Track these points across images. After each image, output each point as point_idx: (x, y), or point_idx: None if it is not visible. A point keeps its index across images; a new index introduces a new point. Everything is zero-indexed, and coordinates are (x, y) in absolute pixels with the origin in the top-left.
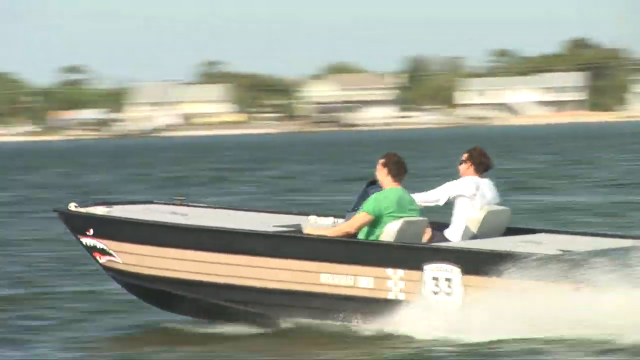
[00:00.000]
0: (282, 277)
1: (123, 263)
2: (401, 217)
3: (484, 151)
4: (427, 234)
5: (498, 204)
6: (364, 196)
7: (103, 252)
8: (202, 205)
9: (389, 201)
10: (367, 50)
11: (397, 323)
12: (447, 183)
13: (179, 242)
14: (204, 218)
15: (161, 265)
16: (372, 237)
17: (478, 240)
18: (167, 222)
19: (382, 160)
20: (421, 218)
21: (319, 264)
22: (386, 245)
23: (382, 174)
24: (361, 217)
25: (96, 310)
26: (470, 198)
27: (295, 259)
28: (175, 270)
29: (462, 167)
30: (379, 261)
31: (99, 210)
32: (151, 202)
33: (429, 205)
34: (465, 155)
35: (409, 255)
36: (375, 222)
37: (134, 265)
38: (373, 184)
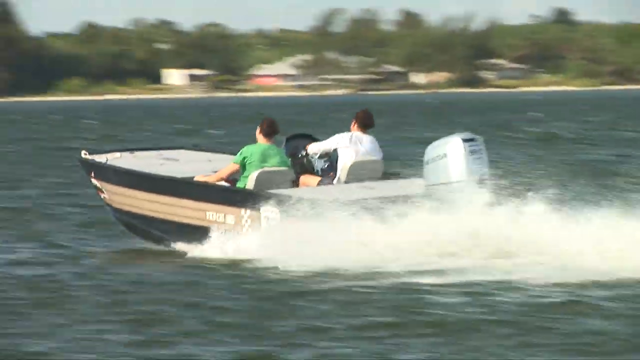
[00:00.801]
0: (181, 213)
1: (109, 199)
2: (262, 167)
3: (368, 113)
4: (317, 179)
5: (374, 157)
6: (286, 149)
7: (100, 190)
8: (206, 150)
9: (252, 153)
10: None
11: (245, 250)
12: (335, 135)
13: (125, 183)
14: (180, 162)
15: (120, 200)
16: (243, 182)
17: (335, 185)
18: (119, 167)
19: (260, 122)
20: (283, 168)
21: (202, 203)
22: (238, 191)
23: (257, 132)
24: (230, 166)
25: None
26: (347, 149)
27: (188, 199)
28: (125, 204)
29: (352, 125)
30: (236, 203)
31: (106, 157)
32: (180, 148)
33: (326, 150)
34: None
35: (251, 199)
36: (243, 170)
37: (111, 200)
38: (291, 139)
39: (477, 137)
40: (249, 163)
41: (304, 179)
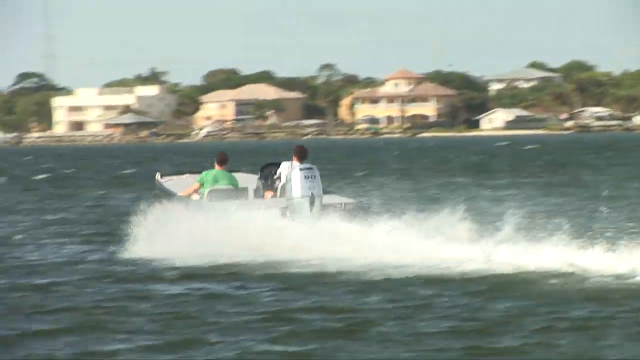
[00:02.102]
0: None
1: None
2: (214, 186)
3: (303, 147)
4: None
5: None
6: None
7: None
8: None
9: (207, 176)
10: None
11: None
12: (283, 163)
13: (163, 196)
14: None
15: None
16: (201, 196)
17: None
18: (160, 186)
19: (217, 155)
20: (229, 187)
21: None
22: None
23: (215, 162)
24: (194, 185)
25: None
26: (285, 172)
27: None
28: None
29: (293, 157)
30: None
31: (174, 177)
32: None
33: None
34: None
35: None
36: (201, 188)
37: None
38: (266, 167)
39: (312, 166)
40: (205, 183)
41: (266, 194)
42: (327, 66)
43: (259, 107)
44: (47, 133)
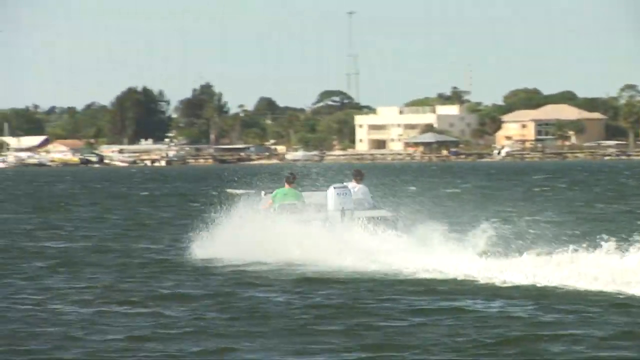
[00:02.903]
0: None
1: None
2: (282, 201)
3: (359, 170)
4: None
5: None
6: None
7: None
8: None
9: (277, 193)
10: None
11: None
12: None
13: None
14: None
15: None
16: (272, 209)
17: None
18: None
19: (286, 175)
20: (294, 202)
21: None
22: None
23: (285, 181)
24: (269, 201)
25: None
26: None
27: None
28: None
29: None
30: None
31: (242, 191)
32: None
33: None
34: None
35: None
36: (274, 203)
37: None
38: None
39: (344, 185)
40: (275, 199)
41: None
42: (629, 87)
43: (560, 128)
44: (349, 151)
